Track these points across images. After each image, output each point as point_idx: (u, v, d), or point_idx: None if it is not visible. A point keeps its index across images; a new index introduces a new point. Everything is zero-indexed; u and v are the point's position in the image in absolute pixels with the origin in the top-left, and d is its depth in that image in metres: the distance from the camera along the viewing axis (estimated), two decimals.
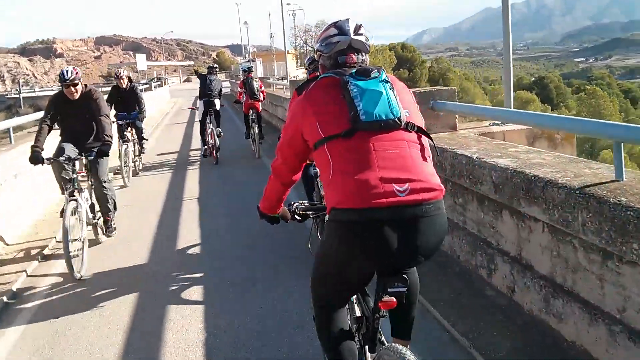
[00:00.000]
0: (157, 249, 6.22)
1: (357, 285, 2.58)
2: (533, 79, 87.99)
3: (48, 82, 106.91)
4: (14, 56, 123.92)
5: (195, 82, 76.19)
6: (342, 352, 2.56)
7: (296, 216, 2.96)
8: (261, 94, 12.56)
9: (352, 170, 2.18)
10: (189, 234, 6.64)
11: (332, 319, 2.59)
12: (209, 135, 12.03)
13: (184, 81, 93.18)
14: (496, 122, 6.43)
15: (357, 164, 2.19)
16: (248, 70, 12.79)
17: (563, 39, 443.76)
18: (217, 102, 12.23)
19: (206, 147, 12.32)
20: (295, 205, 2.97)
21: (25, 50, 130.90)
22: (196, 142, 15.09)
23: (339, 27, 2.50)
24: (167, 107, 33.57)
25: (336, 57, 2.49)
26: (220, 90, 12.57)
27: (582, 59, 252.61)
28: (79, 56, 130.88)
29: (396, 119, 2.26)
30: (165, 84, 45.64)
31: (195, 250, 6.13)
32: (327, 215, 2.32)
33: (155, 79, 64.38)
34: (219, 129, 12.14)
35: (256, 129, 12.21)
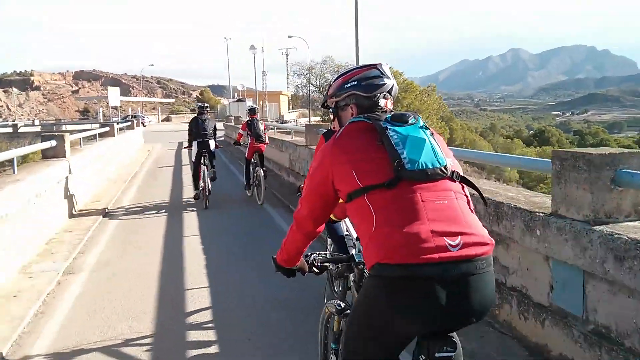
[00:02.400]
0: None
1: (395, 350, 2.25)
2: (531, 131, 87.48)
3: (22, 115, 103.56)
4: None
5: (177, 122, 70.79)
6: None
7: (314, 268, 2.81)
8: (265, 137, 12.02)
9: (399, 223, 2.03)
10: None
11: None
12: (202, 179, 11.35)
13: (162, 120, 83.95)
14: None
15: (404, 215, 2.04)
16: (252, 112, 12.29)
17: (537, 93, 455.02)
18: (211, 142, 11.70)
19: (197, 191, 11.65)
20: (313, 256, 2.82)
21: (1, 81, 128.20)
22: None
23: (380, 70, 2.45)
24: (137, 161, 21.42)
25: (378, 100, 2.41)
26: (215, 129, 12.00)
27: (558, 112, 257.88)
28: (56, 90, 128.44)
29: (442, 168, 2.16)
30: (138, 125, 32.51)
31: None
32: (367, 272, 2.15)
33: (130, 117, 57.66)
34: (213, 170, 11.62)
35: (261, 173, 11.46)
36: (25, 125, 55.87)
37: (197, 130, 11.67)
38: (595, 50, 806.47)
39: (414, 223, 2.01)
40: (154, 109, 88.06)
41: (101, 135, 17.98)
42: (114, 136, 19.23)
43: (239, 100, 67.41)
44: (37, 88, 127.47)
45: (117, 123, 25.38)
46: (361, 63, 2.52)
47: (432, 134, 2.25)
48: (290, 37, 64.45)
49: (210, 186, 11.30)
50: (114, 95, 54.93)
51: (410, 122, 2.24)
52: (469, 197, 2.22)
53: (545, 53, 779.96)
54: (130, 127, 27.33)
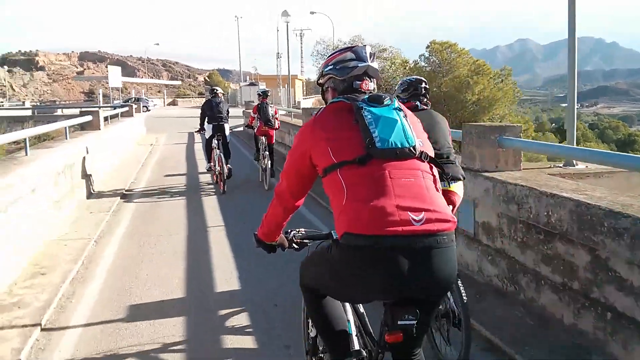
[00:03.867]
0: None
1: (355, 300, 2.72)
2: (554, 124, 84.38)
3: (26, 95, 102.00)
4: None
5: (183, 107, 68.12)
6: (336, 336, 2.65)
7: (294, 244, 2.89)
8: (276, 122, 11.75)
9: (367, 197, 2.20)
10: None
11: (326, 304, 2.67)
12: (216, 161, 11.33)
13: (168, 104, 79.28)
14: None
15: (372, 190, 2.21)
16: (263, 95, 11.95)
17: (545, 84, 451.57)
18: (226, 126, 11.61)
19: (210, 164, 11.88)
20: (292, 233, 2.91)
21: (6, 61, 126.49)
22: None
23: (356, 52, 2.58)
24: (132, 166, 15.00)
25: (351, 82, 2.55)
26: (228, 112, 11.84)
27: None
28: (61, 70, 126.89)
29: (411, 148, 2.31)
30: (139, 111, 26.53)
31: None
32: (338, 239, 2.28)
33: (132, 100, 53.52)
34: (230, 167, 11.13)
35: (268, 163, 11.35)
36: (10, 108, 51.26)
37: (212, 113, 11.43)
38: (604, 42, 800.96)
39: (381, 198, 2.18)
40: (159, 92, 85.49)
41: (83, 127, 13.44)
42: (98, 129, 13.23)
43: (251, 84, 64.36)
44: (42, 68, 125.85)
45: (114, 108, 22.11)
46: (362, 44, 2.65)
47: (405, 116, 2.39)
48: (312, 13, 55.79)
49: (226, 170, 10.89)
50: (114, 75, 48.84)
51: (385, 103, 2.39)
52: (436, 177, 2.39)
53: (553, 44, 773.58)
54: (127, 114, 21.70)
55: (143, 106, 52.07)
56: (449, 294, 3.63)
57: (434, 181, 2.35)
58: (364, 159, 2.25)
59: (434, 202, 2.24)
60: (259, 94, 12.21)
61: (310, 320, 3.03)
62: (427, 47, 41.75)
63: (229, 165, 11.09)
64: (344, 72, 2.56)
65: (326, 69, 2.65)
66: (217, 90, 12.14)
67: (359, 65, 2.55)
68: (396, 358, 2.48)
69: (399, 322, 2.25)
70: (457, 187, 4.01)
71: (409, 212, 2.16)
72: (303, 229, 2.98)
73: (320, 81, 2.72)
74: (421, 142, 2.38)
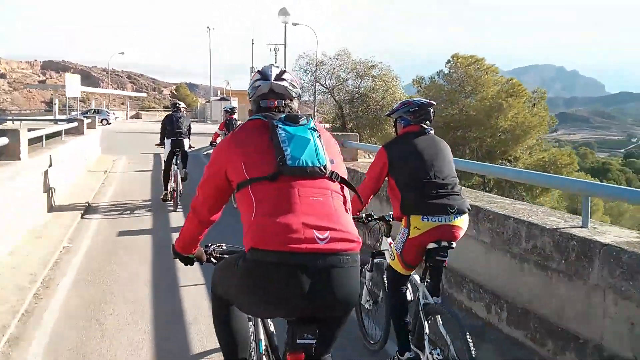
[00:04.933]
0: None
1: (258, 314, 2.74)
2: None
3: None
4: None
5: (148, 121, 64.98)
6: (235, 347, 2.71)
7: (212, 259, 2.92)
8: None
9: (274, 213, 2.25)
10: None
11: (232, 314, 2.70)
12: (172, 178, 10.88)
13: (131, 117, 75.11)
14: None
15: (279, 207, 2.26)
16: (231, 111, 11.93)
17: None
18: (186, 141, 11.18)
19: (166, 191, 11.08)
20: (212, 247, 2.95)
21: None
22: None
23: (262, 72, 2.67)
24: (81, 197, 11.43)
25: (258, 101, 2.64)
26: (189, 128, 11.46)
27: None
28: (22, 79, 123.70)
29: (322, 167, 2.38)
30: (94, 127, 20.15)
31: None
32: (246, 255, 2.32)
33: (92, 112, 49.13)
34: (185, 170, 11.01)
35: (179, 173, 11.08)
36: None
37: (171, 128, 11.13)
38: (565, 70, 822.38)
39: (287, 215, 2.24)
40: (122, 103, 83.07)
41: None
42: (16, 158, 8.05)
43: (222, 98, 61.81)
44: (3, 76, 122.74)
45: (56, 122, 17.87)
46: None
47: (319, 136, 2.47)
48: (295, 24, 49.63)
49: (181, 187, 10.80)
50: (72, 84, 44.14)
51: (301, 123, 2.46)
52: (347, 198, 2.47)
53: (517, 70, 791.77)
54: (75, 132, 16.30)
55: (102, 119, 48.21)
56: (448, 341, 3.49)
57: (344, 202, 2.44)
58: (274, 175, 2.31)
59: (340, 222, 2.31)
60: (226, 111, 12.03)
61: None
62: (448, 61, 36.14)
63: (185, 170, 11.03)
64: (253, 92, 2.67)
65: (248, 92, 2.76)
66: (179, 104, 11.79)
67: (263, 84, 2.63)
68: None
69: (298, 341, 2.29)
70: (462, 222, 3.73)
71: (314, 230, 2.22)
72: (224, 245, 3.00)
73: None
74: (332, 162, 2.45)
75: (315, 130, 2.47)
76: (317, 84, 43.55)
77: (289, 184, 2.30)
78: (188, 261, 2.94)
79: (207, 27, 70.39)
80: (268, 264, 2.21)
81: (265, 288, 2.23)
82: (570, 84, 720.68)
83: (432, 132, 4.04)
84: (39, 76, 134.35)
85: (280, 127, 2.40)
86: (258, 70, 2.71)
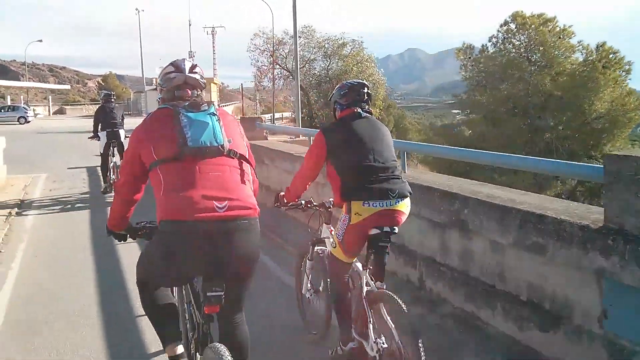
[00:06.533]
0: None
1: (178, 282, 3.15)
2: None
3: None
4: None
5: (73, 116, 58.45)
6: (165, 323, 3.08)
7: (141, 233, 3.24)
8: None
9: (179, 188, 2.65)
10: None
11: (156, 295, 3.06)
12: (111, 170, 11.04)
13: (54, 112, 69.40)
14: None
15: (184, 182, 2.66)
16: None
17: (434, 91, 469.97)
18: (121, 132, 11.20)
19: (106, 184, 11.23)
20: (143, 223, 3.27)
21: None
22: None
23: (176, 66, 3.00)
24: None
25: (173, 92, 2.97)
26: (123, 118, 11.54)
27: (457, 111, 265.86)
28: None
29: (219, 146, 2.79)
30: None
31: None
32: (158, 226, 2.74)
33: (7, 108, 44.98)
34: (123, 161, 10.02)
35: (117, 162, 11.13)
36: None
37: (106, 120, 11.09)
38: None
39: (189, 189, 2.63)
40: (45, 98, 78.54)
41: None
42: None
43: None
44: None
45: None
46: None
47: (218, 119, 2.86)
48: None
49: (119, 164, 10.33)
50: None
51: (202, 109, 2.85)
52: (246, 171, 2.89)
53: (440, 54, 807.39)
54: None
55: (19, 117, 43.60)
56: (392, 329, 3.37)
57: (242, 174, 2.84)
58: (178, 155, 2.69)
59: (238, 192, 2.73)
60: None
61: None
62: (504, 23, 26.33)
63: (122, 160, 10.92)
64: (168, 83, 3.00)
65: (158, 81, 3.11)
66: (112, 93, 11.89)
67: (178, 75, 2.97)
68: (220, 325, 2.98)
69: (208, 294, 2.70)
70: (404, 206, 3.64)
71: (214, 201, 2.62)
72: (155, 221, 3.07)
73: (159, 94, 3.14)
74: (230, 141, 2.85)
75: (214, 115, 2.86)
76: (276, 65, 38.46)
77: (191, 163, 2.70)
78: (121, 237, 3.33)
79: (136, 10, 59.49)
80: (176, 232, 2.62)
81: (177, 254, 2.66)
82: None
83: (369, 115, 3.90)
84: None
85: (182, 114, 2.78)
86: (171, 63, 3.03)
